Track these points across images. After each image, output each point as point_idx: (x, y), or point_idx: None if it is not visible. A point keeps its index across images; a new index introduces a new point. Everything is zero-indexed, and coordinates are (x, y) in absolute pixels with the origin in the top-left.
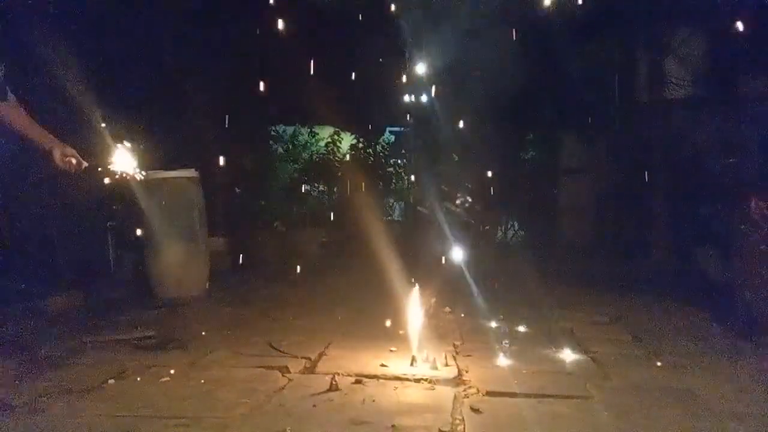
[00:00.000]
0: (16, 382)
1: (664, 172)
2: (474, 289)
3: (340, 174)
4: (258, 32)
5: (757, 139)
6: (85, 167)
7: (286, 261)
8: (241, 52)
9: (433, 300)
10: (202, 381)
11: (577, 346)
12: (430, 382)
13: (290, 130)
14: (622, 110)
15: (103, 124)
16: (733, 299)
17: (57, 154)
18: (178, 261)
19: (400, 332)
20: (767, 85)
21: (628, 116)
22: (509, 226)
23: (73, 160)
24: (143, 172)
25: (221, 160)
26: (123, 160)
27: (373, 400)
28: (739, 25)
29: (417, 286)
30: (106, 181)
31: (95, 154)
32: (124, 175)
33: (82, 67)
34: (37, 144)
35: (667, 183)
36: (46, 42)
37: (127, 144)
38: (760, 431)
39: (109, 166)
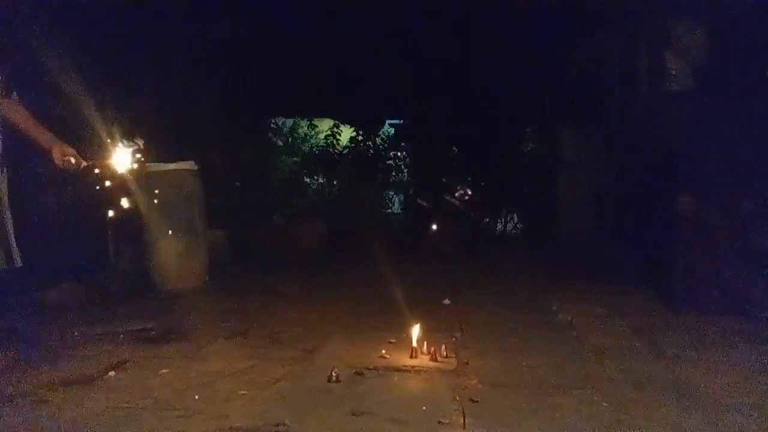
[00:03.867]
0: (17, 373)
1: (663, 166)
2: (473, 281)
3: (339, 166)
4: (258, 25)
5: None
6: (84, 166)
7: (286, 253)
8: (241, 45)
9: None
10: (202, 372)
11: (577, 338)
12: (429, 373)
13: (290, 122)
14: (622, 103)
15: (102, 122)
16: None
17: (56, 153)
18: (178, 253)
19: (400, 324)
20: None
21: (627, 109)
22: (509, 218)
23: (72, 159)
24: (141, 165)
25: (221, 153)
26: (121, 159)
27: (373, 392)
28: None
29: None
30: (106, 182)
31: (94, 152)
32: (122, 174)
33: (81, 64)
34: (38, 142)
35: (667, 176)
36: (46, 39)
37: (125, 141)
38: (759, 423)
39: (106, 166)
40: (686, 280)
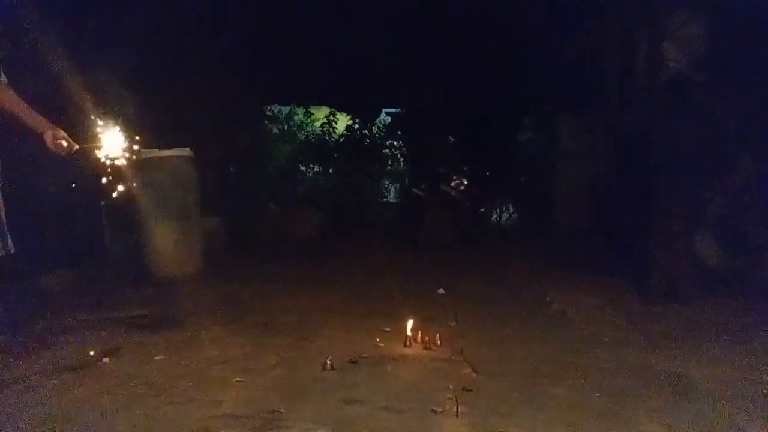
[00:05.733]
0: (11, 359)
1: (661, 157)
2: (467, 271)
3: (335, 155)
4: (255, 12)
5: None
6: (76, 150)
7: (281, 241)
8: (237, 32)
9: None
10: (196, 359)
11: (570, 328)
12: (423, 362)
13: (285, 110)
14: (620, 94)
15: (96, 106)
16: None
17: (48, 137)
18: (172, 240)
19: (395, 312)
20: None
21: (626, 100)
22: (504, 208)
23: (64, 143)
24: (137, 152)
25: (216, 140)
26: (114, 143)
27: (367, 380)
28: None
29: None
30: (99, 168)
31: (87, 137)
32: (115, 159)
33: (75, 47)
34: (29, 126)
35: (665, 167)
36: (38, 22)
37: (119, 126)
38: (750, 412)
39: (99, 150)
40: (679, 272)
